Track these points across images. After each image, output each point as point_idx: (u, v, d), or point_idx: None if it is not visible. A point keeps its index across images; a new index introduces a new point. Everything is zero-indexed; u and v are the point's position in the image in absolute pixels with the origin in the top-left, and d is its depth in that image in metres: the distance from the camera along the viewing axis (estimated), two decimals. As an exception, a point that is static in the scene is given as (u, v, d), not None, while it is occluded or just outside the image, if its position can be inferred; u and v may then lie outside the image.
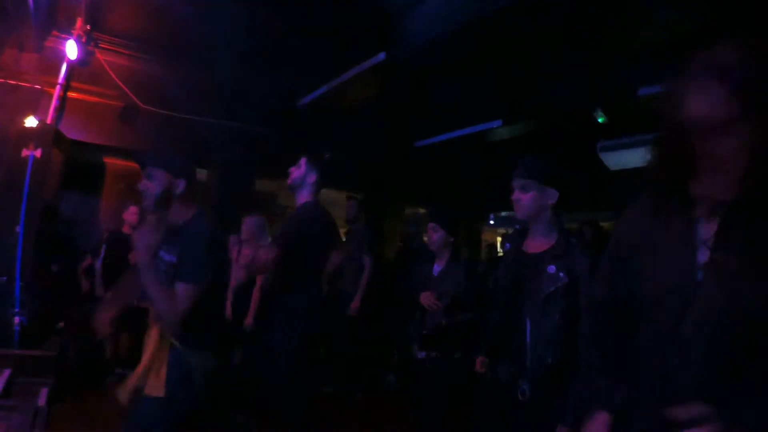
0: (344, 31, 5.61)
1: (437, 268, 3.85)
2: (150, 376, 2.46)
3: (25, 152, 5.36)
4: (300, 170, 3.68)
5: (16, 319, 5.05)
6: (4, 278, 4.96)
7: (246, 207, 6.18)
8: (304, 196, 3.68)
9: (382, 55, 5.47)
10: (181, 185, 2.58)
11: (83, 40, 6.01)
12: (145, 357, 2.51)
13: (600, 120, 6.57)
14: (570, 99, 6.46)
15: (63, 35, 6.06)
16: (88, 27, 5.99)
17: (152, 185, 2.55)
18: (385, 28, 5.66)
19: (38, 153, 5.38)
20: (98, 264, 5.99)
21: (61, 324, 5.41)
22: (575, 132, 7.13)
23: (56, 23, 6.19)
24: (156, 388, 2.43)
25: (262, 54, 5.96)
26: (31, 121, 5.55)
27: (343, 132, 7.57)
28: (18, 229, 5.33)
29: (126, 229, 6.07)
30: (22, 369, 3.86)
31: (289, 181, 3.71)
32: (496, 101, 6.92)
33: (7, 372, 3.70)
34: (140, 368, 2.50)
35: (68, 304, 5.71)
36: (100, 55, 6.29)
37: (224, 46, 5.67)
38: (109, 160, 7.26)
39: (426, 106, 7.37)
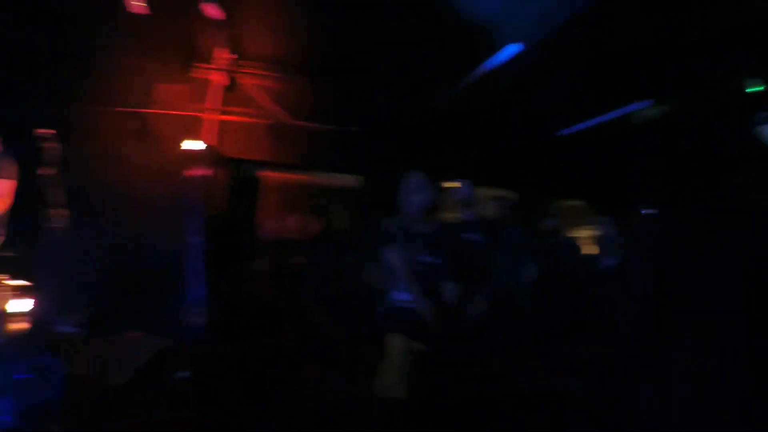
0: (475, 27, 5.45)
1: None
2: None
3: (191, 173, 5.96)
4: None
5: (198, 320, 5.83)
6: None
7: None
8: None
9: (517, 47, 5.25)
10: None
11: (228, 67, 6.50)
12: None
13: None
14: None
15: (208, 65, 6.63)
16: (232, 55, 6.46)
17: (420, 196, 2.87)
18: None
19: (204, 172, 6.01)
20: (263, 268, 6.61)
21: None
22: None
23: (200, 54, 6.79)
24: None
25: (398, 59, 6.02)
26: (192, 145, 6.13)
27: (484, 128, 7.44)
28: (195, 239, 6.02)
29: (285, 235, 6.61)
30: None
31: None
32: (642, 79, 6.33)
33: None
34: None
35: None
36: (246, 80, 6.79)
37: (361, 57, 5.85)
38: (265, 174, 7.87)
39: (566, 92, 6.96)
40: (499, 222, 6.15)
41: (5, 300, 6.44)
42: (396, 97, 7.05)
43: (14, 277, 6.60)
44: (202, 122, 6.78)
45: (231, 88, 6.62)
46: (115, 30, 5.80)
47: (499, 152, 7.95)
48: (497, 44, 5.51)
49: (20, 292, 6.51)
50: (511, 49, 5.40)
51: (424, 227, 3.81)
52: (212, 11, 5.69)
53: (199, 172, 6.09)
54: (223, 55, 6.48)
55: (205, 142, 6.47)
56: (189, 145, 6.18)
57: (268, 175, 7.75)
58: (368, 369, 3.43)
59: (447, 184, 4.22)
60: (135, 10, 5.41)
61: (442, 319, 3.28)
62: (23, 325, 6.30)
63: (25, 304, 6.50)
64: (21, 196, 4.39)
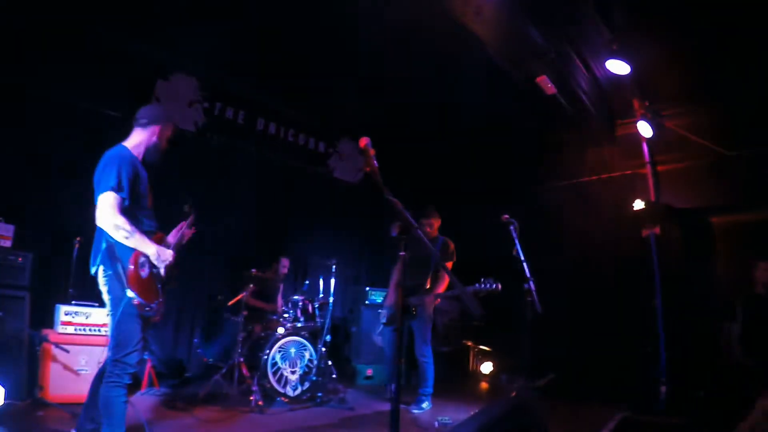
0: None
1: None
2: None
3: (645, 232, 5.77)
4: None
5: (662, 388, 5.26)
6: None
7: None
8: None
9: None
10: None
11: (648, 116, 6.25)
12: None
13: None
14: None
15: (628, 120, 6.51)
16: (647, 103, 6.22)
17: None
18: None
19: (657, 230, 5.72)
20: (736, 328, 5.53)
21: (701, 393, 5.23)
22: None
23: (618, 113, 6.77)
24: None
25: None
26: (639, 204, 5.94)
27: None
28: (656, 302, 5.69)
29: (759, 289, 5.45)
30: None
31: None
32: None
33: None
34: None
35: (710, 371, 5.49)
36: (668, 123, 6.33)
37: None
38: (717, 219, 6.87)
39: None
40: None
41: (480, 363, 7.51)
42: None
43: (481, 342, 7.66)
44: (637, 179, 6.63)
45: (656, 135, 6.27)
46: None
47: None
48: None
49: (484, 356, 7.44)
50: None
51: None
52: (617, 67, 5.75)
53: (648, 230, 5.92)
54: (637, 106, 6.29)
55: (647, 199, 6.28)
56: (636, 204, 6.14)
57: (722, 220, 6.67)
58: None
59: None
60: (548, 92, 6.05)
61: None
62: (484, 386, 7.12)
63: (487, 367, 7.40)
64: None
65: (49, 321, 4.48)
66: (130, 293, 2.86)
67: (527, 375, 5.67)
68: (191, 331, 5.85)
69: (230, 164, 6.55)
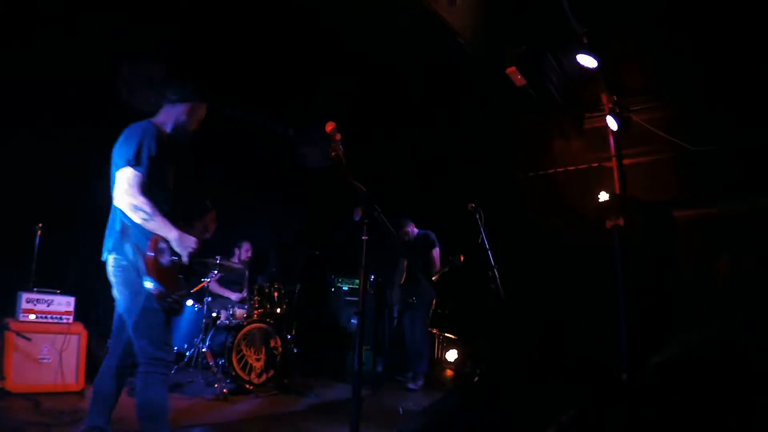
0: None
1: None
2: None
3: (609, 224, 5.87)
4: None
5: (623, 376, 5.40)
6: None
7: None
8: None
9: None
10: None
11: (616, 111, 6.34)
12: None
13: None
14: None
15: (595, 114, 6.62)
16: (615, 97, 6.31)
17: None
18: None
19: (621, 222, 5.82)
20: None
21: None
22: None
23: (585, 106, 6.88)
24: None
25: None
26: (604, 196, 6.04)
27: None
28: (619, 292, 5.81)
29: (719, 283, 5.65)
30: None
31: None
32: None
33: None
34: None
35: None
36: (635, 117, 6.44)
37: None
38: (679, 213, 7.04)
39: None
40: None
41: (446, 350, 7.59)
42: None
43: (448, 330, 7.74)
44: (603, 171, 6.73)
45: (623, 129, 6.38)
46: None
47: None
48: None
49: (449, 344, 7.52)
50: None
51: None
52: (586, 61, 5.82)
53: (612, 221, 6.02)
54: (605, 100, 6.38)
55: (612, 191, 6.37)
56: (601, 196, 6.23)
57: (684, 213, 6.84)
58: None
59: None
60: (518, 83, 6.08)
61: None
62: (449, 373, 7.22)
63: (452, 355, 7.49)
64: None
65: (10, 310, 4.33)
66: (148, 283, 2.54)
67: (489, 362, 5.76)
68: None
69: (196, 148, 6.39)
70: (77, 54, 5.03)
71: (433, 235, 6.18)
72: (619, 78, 6.22)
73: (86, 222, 5.02)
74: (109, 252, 2.71)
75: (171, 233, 2.68)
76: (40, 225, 4.51)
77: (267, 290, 5.35)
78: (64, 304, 4.39)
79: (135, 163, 2.60)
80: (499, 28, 5.60)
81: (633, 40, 5.78)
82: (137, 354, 2.69)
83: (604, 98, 6.33)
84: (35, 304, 4.27)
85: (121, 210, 2.65)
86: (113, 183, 2.69)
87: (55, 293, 4.41)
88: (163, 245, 2.65)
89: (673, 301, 6.26)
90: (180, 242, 2.71)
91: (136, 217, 2.59)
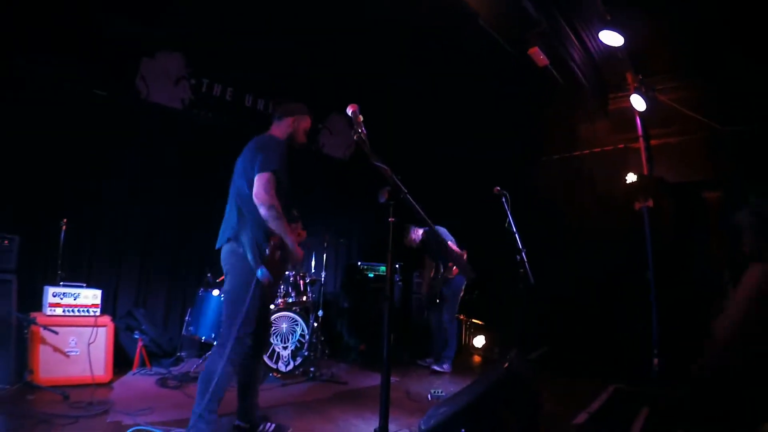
0: None
1: None
2: None
3: (638, 205, 5.77)
4: None
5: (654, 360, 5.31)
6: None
7: None
8: None
9: None
10: None
11: (642, 90, 6.17)
12: None
13: None
14: None
15: (621, 94, 6.45)
16: (640, 76, 6.13)
17: None
18: None
19: (650, 203, 5.72)
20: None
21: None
22: None
23: (611, 87, 6.71)
24: None
25: None
26: (631, 177, 5.93)
27: None
28: (648, 275, 5.71)
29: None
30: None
31: None
32: None
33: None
34: None
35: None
36: (661, 97, 6.25)
37: None
38: (709, 194, 6.84)
39: None
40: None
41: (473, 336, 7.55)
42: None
43: (475, 316, 7.68)
44: (630, 152, 6.58)
45: (650, 109, 6.20)
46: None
47: None
48: None
49: (477, 330, 7.47)
50: None
51: None
52: (610, 39, 5.64)
53: (641, 203, 5.90)
54: (630, 79, 6.21)
55: (639, 172, 6.25)
56: (628, 178, 6.10)
57: (715, 195, 6.63)
58: None
59: None
60: (540, 64, 5.95)
61: None
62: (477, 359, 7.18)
63: (479, 341, 7.45)
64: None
65: (37, 304, 4.41)
66: (262, 271, 2.95)
67: (520, 348, 5.69)
68: (182, 309, 5.80)
69: (218, 141, 6.41)
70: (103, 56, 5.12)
71: (443, 230, 6.05)
72: (645, 56, 6.03)
73: (106, 218, 5.21)
74: (229, 241, 3.11)
75: (289, 237, 3.05)
76: (65, 220, 4.56)
77: (292, 279, 5.35)
78: (90, 296, 4.44)
79: (276, 171, 2.99)
80: (519, 7, 5.47)
81: (659, 16, 5.59)
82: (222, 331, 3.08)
83: (629, 77, 6.18)
84: (62, 298, 4.33)
85: (242, 206, 3.07)
86: (235, 185, 3.13)
87: (81, 286, 4.47)
88: (278, 243, 3.02)
89: (703, 284, 6.10)
90: (293, 249, 3.09)
91: (269, 215, 2.94)
